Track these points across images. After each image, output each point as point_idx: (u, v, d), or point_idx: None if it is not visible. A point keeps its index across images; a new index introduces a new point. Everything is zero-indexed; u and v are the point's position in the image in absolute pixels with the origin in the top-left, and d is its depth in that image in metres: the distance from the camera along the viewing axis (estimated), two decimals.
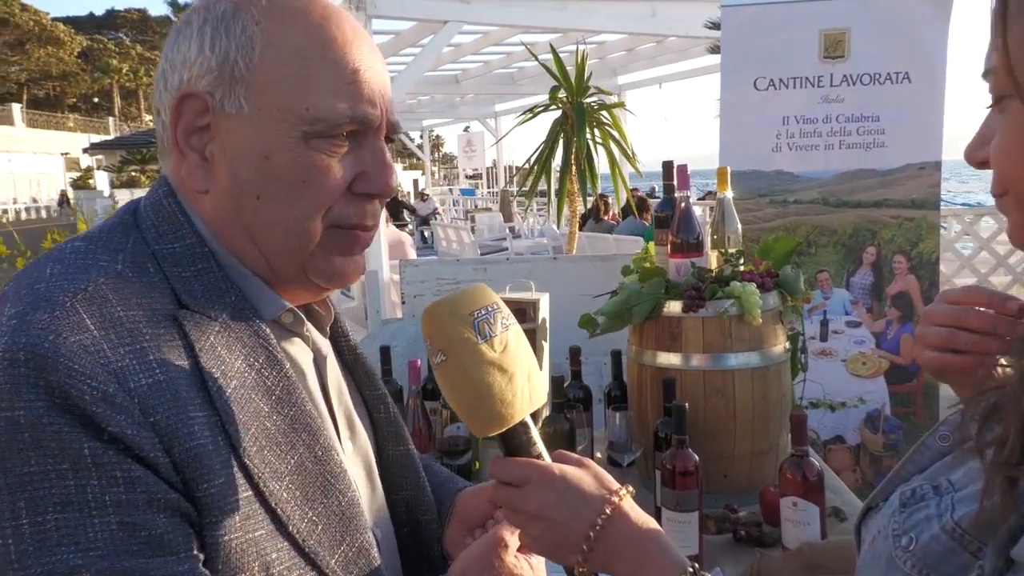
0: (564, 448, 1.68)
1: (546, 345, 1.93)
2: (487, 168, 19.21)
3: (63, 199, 29.73)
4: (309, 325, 0.76)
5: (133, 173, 15.21)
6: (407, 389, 1.84)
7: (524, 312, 1.91)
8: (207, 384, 0.62)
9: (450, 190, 18.15)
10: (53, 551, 0.54)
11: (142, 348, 0.60)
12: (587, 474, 0.71)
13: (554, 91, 4.01)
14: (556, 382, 1.66)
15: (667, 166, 1.79)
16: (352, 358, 0.86)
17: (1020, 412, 0.47)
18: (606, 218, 8.67)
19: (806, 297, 2.52)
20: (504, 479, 0.72)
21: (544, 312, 1.92)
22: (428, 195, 15.61)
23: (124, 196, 14.65)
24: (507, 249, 9.64)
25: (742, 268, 1.70)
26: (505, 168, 17.44)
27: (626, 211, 9.05)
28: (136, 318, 0.61)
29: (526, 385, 0.70)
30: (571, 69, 4.04)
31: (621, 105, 4.09)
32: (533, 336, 1.90)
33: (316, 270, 0.71)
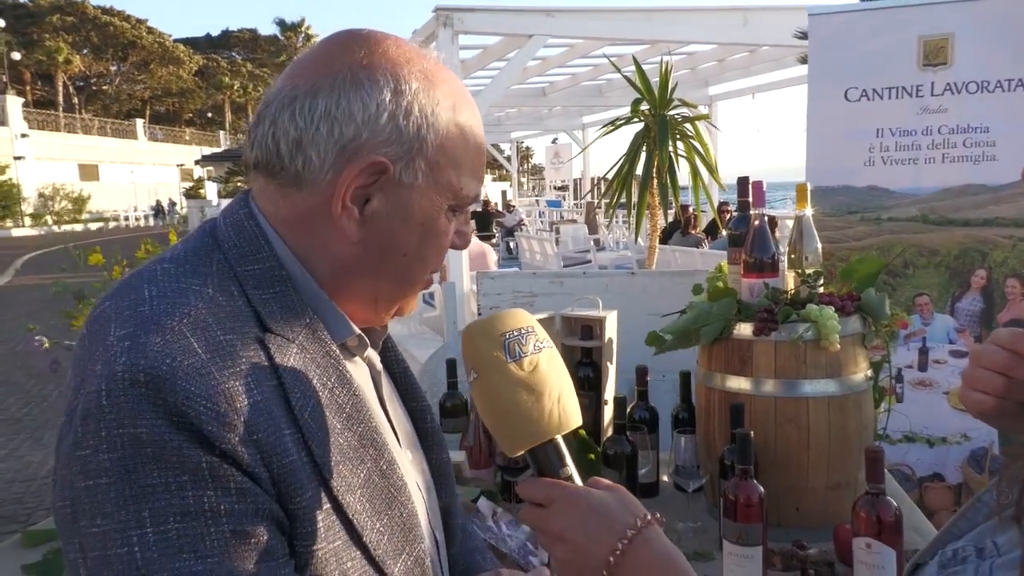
0: (626, 470, 1.64)
1: (611, 366, 1.88)
2: (574, 179, 19.17)
3: (158, 208, 31.82)
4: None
5: (239, 183, 16.14)
6: (471, 403, 1.84)
7: (590, 330, 1.87)
8: (291, 404, 0.66)
9: (536, 201, 18.23)
10: (175, 558, 0.58)
11: (241, 371, 0.64)
12: (613, 498, 0.71)
13: (636, 103, 3.95)
14: (619, 403, 1.61)
15: (742, 182, 1.72)
16: (400, 371, 0.90)
17: None
18: (694, 232, 8.46)
19: (901, 322, 2.36)
20: (531, 499, 0.72)
21: (611, 331, 1.87)
22: (515, 206, 15.71)
23: None
24: (590, 261, 9.56)
25: (821, 290, 1.60)
26: (592, 180, 17.35)
27: (711, 226, 8.81)
28: (232, 342, 0.65)
29: (555, 406, 0.71)
30: (655, 81, 3.97)
31: (706, 117, 3.99)
32: (600, 354, 1.86)
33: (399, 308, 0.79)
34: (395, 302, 0.78)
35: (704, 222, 8.99)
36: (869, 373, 1.58)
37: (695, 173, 3.92)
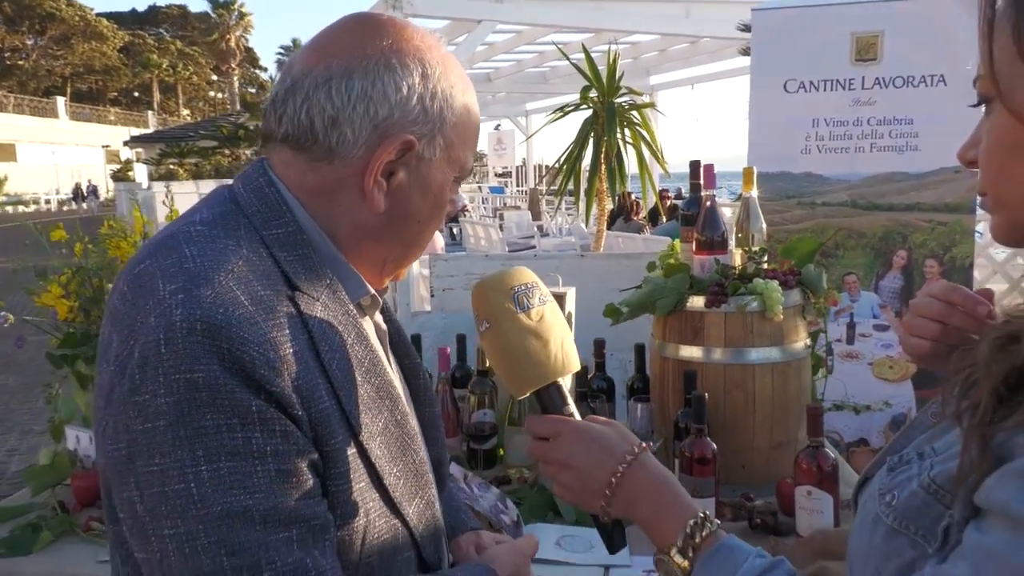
0: None
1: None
2: (517, 166, 19.26)
3: (76, 192, 30.13)
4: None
5: (171, 166, 15.58)
6: (436, 376, 1.91)
7: None
8: (321, 356, 0.72)
9: (479, 187, 18.25)
10: (227, 493, 0.63)
11: (280, 323, 0.69)
12: (612, 430, 0.80)
13: (585, 91, 4.05)
14: (580, 373, 1.71)
15: (694, 165, 1.83)
16: (395, 330, 0.97)
17: (991, 379, 0.54)
18: (636, 218, 8.68)
19: (832, 299, 2.53)
20: (538, 434, 0.81)
21: (571, 306, 1.97)
22: (458, 192, 15.62)
23: (161, 188, 14.99)
24: (535, 247, 9.68)
25: (765, 266, 1.73)
26: (535, 167, 17.47)
27: (653, 212, 9.05)
28: (270, 297, 0.70)
29: (559, 351, 0.80)
30: (603, 69, 4.08)
31: (651, 105, 4.12)
32: None
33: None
34: (400, 265, 0.85)
35: (646, 209, 9.22)
36: (808, 342, 1.73)
37: (641, 160, 4.06)
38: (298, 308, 0.72)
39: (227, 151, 10.34)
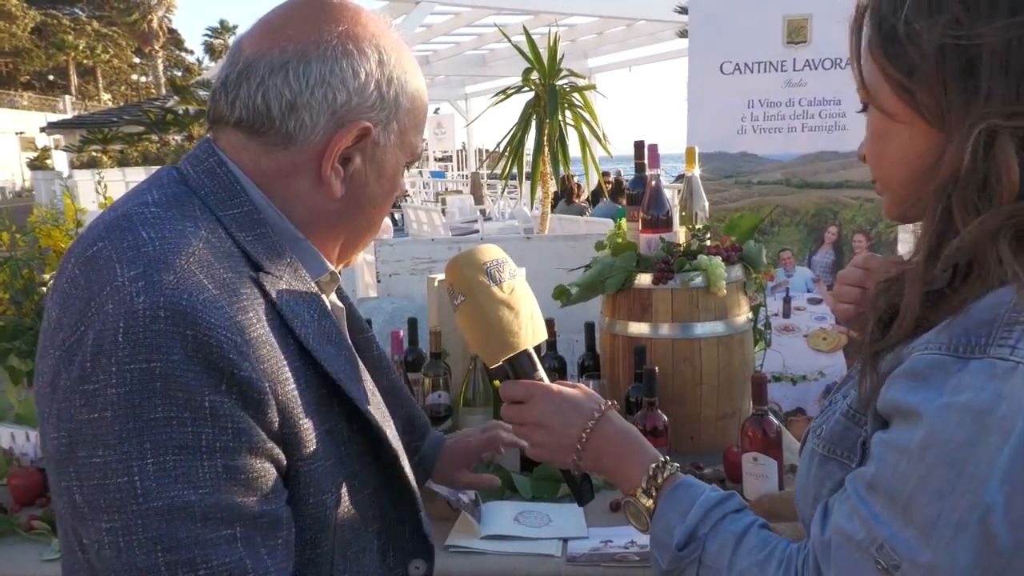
0: None
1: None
2: (457, 151, 19.15)
3: None
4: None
5: (94, 153, 14.86)
6: (390, 360, 1.91)
7: None
8: (296, 333, 0.72)
9: (420, 172, 18.10)
10: (171, 487, 0.62)
11: (244, 306, 0.68)
12: (579, 392, 0.87)
13: (527, 73, 4.06)
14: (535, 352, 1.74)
15: (638, 145, 1.87)
16: (347, 305, 0.98)
17: (876, 312, 0.66)
18: (577, 200, 8.77)
19: (769, 274, 2.63)
20: (512, 397, 0.86)
21: None
22: None
23: (85, 176, 14.27)
24: (478, 231, 9.67)
25: (708, 243, 1.79)
26: (476, 151, 17.41)
27: (596, 194, 9.17)
28: (233, 280, 0.69)
29: (529, 322, 0.85)
30: (543, 52, 4.09)
31: (593, 87, 4.16)
32: None
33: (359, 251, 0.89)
34: (355, 249, 0.85)
35: (588, 191, 9.33)
36: (750, 316, 1.79)
37: (583, 142, 4.10)
38: (263, 289, 0.72)
39: (155, 137, 9.92)
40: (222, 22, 57.92)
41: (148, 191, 0.75)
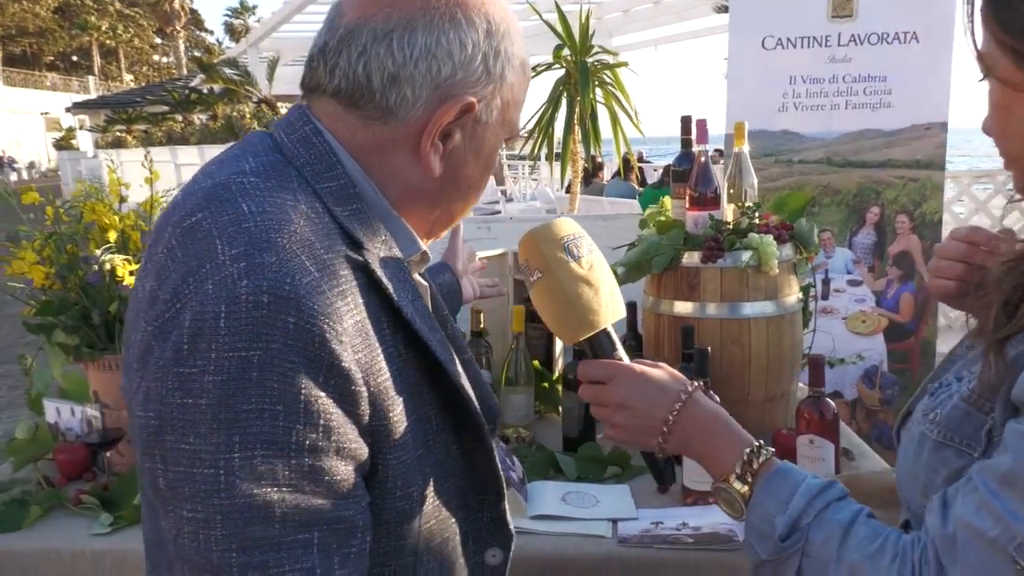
0: None
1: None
2: None
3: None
4: None
5: (119, 133, 14.97)
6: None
7: None
8: (402, 317, 0.69)
9: None
10: (254, 484, 0.59)
11: (343, 290, 0.64)
12: (662, 371, 0.83)
13: (558, 50, 3.99)
14: None
15: (685, 121, 1.82)
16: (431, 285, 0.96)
17: (1000, 294, 0.62)
18: (595, 180, 8.69)
19: (809, 255, 2.57)
20: (592, 378, 0.83)
21: None
22: None
23: (112, 155, 14.41)
24: (500, 212, 9.63)
25: (757, 221, 1.74)
26: None
27: (616, 176, 9.07)
28: (332, 260, 0.65)
29: (609, 299, 0.81)
30: (574, 28, 4.02)
31: (625, 64, 4.08)
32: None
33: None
34: (445, 227, 0.82)
35: (608, 172, 9.23)
36: (800, 296, 1.75)
37: (614, 120, 4.03)
38: (362, 268, 0.68)
39: (179, 117, 9.93)
40: (242, 2, 57.87)
41: (243, 158, 0.71)
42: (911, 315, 2.85)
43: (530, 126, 4.26)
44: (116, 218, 1.45)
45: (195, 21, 58.96)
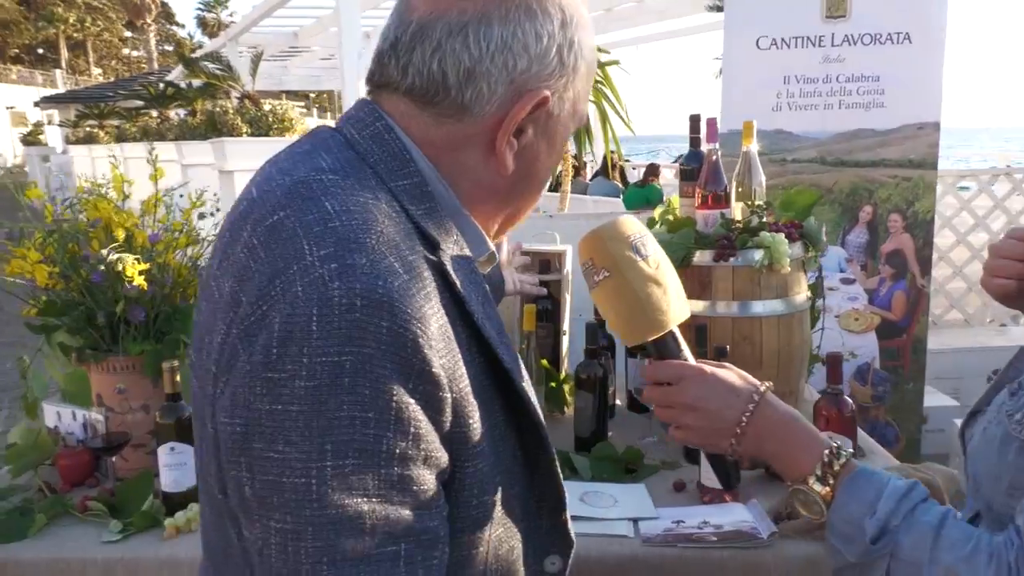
0: (599, 392, 1.74)
1: (568, 296, 1.97)
2: None
3: None
4: None
5: (90, 128, 14.64)
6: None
7: (549, 264, 1.94)
8: (475, 320, 0.67)
9: None
10: (346, 494, 0.57)
11: (428, 292, 0.62)
12: (732, 372, 0.83)
13: None
14: (591, 329, 1.70)
15: (694, 120, 1.82)
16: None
17: None
18: (578, 178, 8.71)
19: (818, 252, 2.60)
20: (660, 379, 0.82)
21: (569, 264, 1.95)
22: None
23: (82, 152, 14.08)
24: None
25: (766, 219, 1.75)
26: None
27: (598, 175, 9.10)
28: (416, 261, 0.63)
29: (676, 299, 0.80)
30: None
31: (616, 63, 4.08)
32: (558, 287, 1.93)
33: None
34: (510, 225, 0.80)
35: (589, 171, 9.25)
36: (808, 294, 1.76)
37: (604, 119, 4.03)
38: (439, 270, 0.66)
39: (154, 112, 9.74)
40: None
41: (317, 154, 0.68)
42: (903, 313, 2.89)
43: None
44: (124, 216, 1.41)
45: (166, 14, 57.91)
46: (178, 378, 1.38)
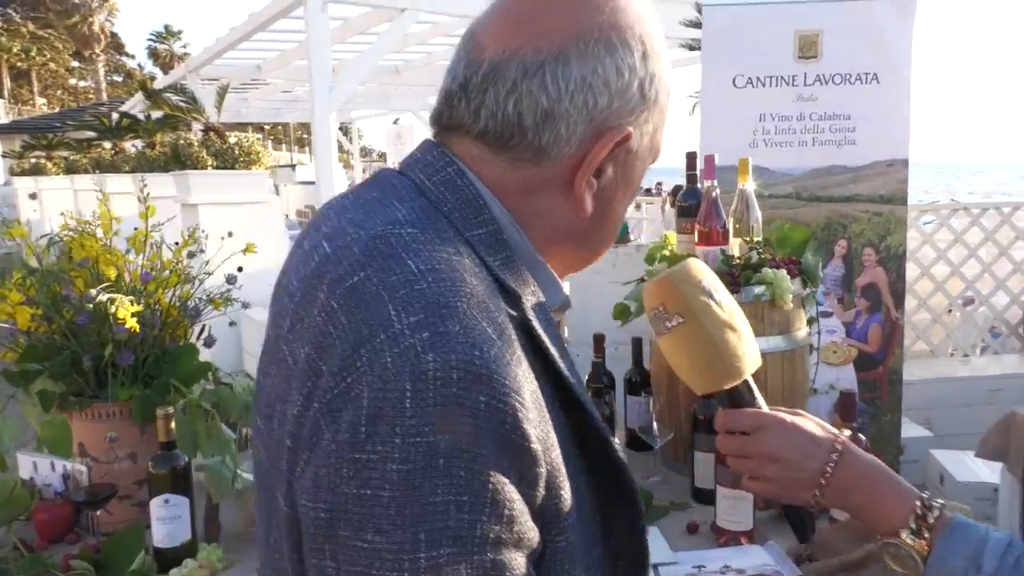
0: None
1: (566, 332, 1.94)
2: None
3: None
4: None
5: (36, 159, 14.16)
6: None
7: None
8: (563, 379, 0.62)
9: None
10: None
11: (519, 356, 0.57)
12: (811, 421, 0.80)
13: None
14: (597, 367, 1.68)
15: (690, 157, 1.84)
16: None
17: None
18: None
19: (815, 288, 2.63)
20: (736, 428, 0.79)
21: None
22: None
23: (27, 184, 13.59)
24: None
25: (764, 255, 1.76)
26: None
27: None
28: (504, 323, 0.58)
29: (750, 345, 0.78)
30: None
31: None
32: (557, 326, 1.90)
33: None
34: (584, 266, 0.75)
35: None
36: (807, 330, 1.77)
37: None
38: (524, 327, 0.61)
39: (107, 144, 9.44)
40: (167, 27, 56.37)
41: (389, 203, 0.63)
42: (879, 345, 2.95)
43: None
44: (116, 255, 1.33)
45: (115, 45, 56.98)
46: (172, 425, 1.30)
